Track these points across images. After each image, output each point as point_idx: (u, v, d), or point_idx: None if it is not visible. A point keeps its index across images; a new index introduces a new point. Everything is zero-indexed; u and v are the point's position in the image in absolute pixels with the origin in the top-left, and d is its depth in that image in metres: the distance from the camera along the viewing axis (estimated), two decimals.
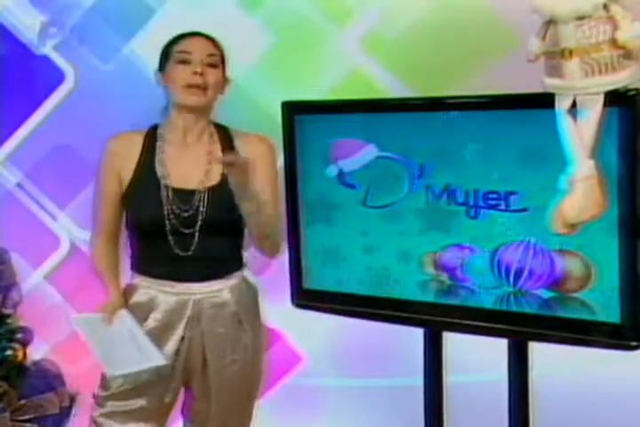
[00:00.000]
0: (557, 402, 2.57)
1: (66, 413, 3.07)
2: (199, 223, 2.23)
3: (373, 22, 2.83)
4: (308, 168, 2.49)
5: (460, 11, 2.69)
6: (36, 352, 3.19)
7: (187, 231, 2.23)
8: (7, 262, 3.16)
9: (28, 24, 3.25)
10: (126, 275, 2.37)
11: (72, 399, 3.09)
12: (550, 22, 2.00)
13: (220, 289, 2.29)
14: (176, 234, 2.23)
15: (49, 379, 3.09)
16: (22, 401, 3.01)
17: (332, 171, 2.45)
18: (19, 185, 3.32)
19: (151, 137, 2.31)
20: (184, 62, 2.24)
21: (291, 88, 2.88)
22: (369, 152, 2.38)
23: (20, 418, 3.00)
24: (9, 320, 3.09)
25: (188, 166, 2.27)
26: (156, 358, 2.17)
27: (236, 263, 2.34)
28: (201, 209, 2.23)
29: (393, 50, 2.82)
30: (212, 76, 2.24)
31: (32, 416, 3.02)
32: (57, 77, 3.23)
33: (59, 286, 3.29)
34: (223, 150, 2.29)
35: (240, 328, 2.30)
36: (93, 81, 3.18)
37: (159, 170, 2.26)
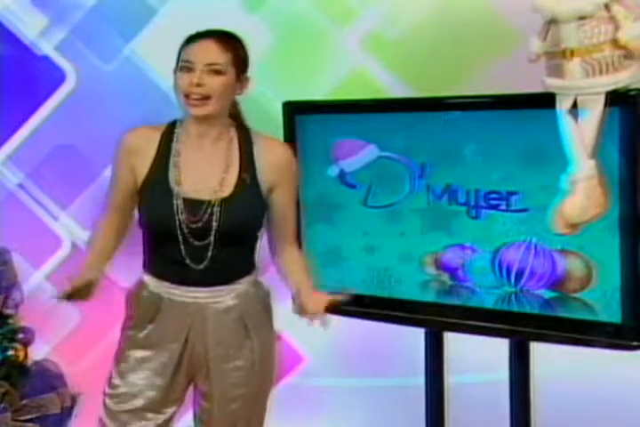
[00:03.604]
0: (559, 402, 2.56)
1: (67, 413, 3.07)
2: (212, 237, 2.17)
3: (374, 22, 2.83)
4: (310, 168, 2.49)
5: (461, 11, 2.68)
6: (37, 352, 3.19)
7: (198, 243, 2.18)
8: (8, 263, 3.16)
9: (29, 24, 3.25)
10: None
11: (73, 399, 3.09)
12: (551, 22, 2.00)
13: (224, 294, 2.24)
14: (187, 243, 2.18)
15: (50, 379, 3.09)
16: (24, 401, 3.01)
17: (333, 171, 2.45)
18: (20, 185, 3.31)
19: (168, 135, 2.24)
20: (188, 70, 2.14)
21: (292, 88, 2.87)
22: (370, 152, 2.38)
23: (22, 418, 3.00)
24: (10, 320, 3.09)
25: (202, 174, 2.20)
26: None
27: (246, 269, 2.28)
28: (213, 222, 2.17)
29: (394, 50, 2.82)
30: (214, 84, 2.14)
31: (33, 416, 3.02)
32: (58, 77, 3.23)
33: (60, 286, 3.29)
34: (241, 158, 2.21)
35: (245, 335, 2.26)
36: (94, 81, 3.18)
37: (172, 174, 2.20)
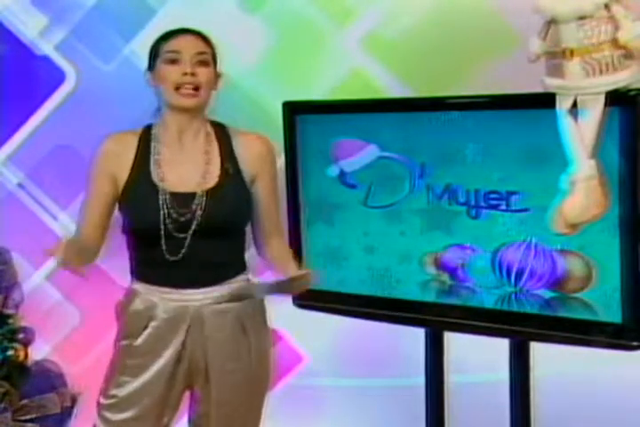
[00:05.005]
0: (558, 402, 2.57)
1: (67, 413, 3.08)
2: (193, 227, 2.16)
3: (374, 22, 2.83)
4: (309, 168, 2.49)
5: (461, 11, 2.68)
6: (37, 352, 3.19)
7: (179, 235, 2.17)
8: (8, 262, 3.16)
9: (29, 24, 3.25)
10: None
11: (73, 399, 3.09)
12: (551, 22, 2.00)
13: (220, 296, 2.24)
14: (169, 238, 2.17)
15: (50, 379, 3.09)
16: (24, 401, 3.02)
17: (333, 171, 2.45)
18: (20, 185, 3.32)
19: (146, 137, 2.25)
20: (173, 62, 2.16)
21: (291, 88, 2.87)
22: (370, 152, 2.38)
23: (22, 418, 3.00)
24: (10, 320, 3.09)
25: (185, 168, 2.21)
26: None
27: (236, 268, 2.28)
28: (198, 213, 2.17)
29: (393, 50, 2.82)
30: (204, 74, 2.17)
31: (33, 416, 3.02)
32: (58, 77, 3.23)
33: (60, 286, 3.29)
34: (221, 150, 2.24)
35: (243, 335, 2.25)
36: (94, 81, 3.18)
37: (155, 172, 2.20)
